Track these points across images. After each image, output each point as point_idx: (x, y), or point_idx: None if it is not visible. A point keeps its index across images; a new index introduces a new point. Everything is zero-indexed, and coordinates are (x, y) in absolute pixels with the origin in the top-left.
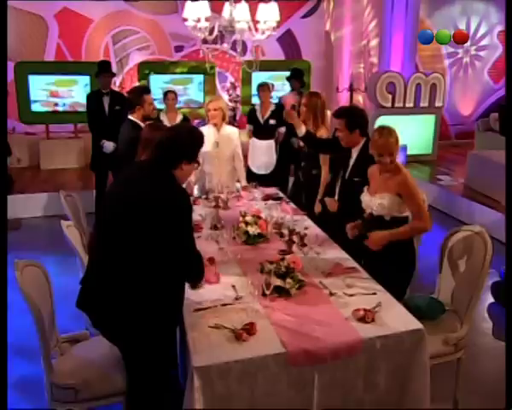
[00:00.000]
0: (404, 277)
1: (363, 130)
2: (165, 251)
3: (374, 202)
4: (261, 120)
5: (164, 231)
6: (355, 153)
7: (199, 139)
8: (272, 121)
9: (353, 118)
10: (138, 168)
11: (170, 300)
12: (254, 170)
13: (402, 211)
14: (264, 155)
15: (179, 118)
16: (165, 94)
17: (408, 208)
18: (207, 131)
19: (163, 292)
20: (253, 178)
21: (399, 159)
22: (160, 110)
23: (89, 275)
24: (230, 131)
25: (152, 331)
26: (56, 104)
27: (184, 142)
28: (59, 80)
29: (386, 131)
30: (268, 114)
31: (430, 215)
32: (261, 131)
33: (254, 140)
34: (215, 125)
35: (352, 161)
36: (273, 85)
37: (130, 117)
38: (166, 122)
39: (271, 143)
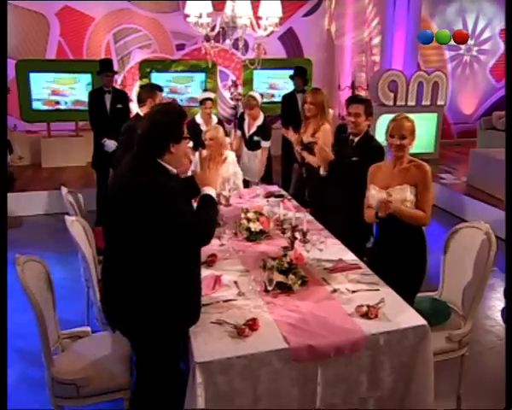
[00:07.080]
0: (414, 276)
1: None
2: (158, 238)
3: (392, 194)
4: (246, 134)
5: (147, 222)
6: (356, 138)
7: (176, 117)
8: (257, 138)
9: (370, 106)
10: (127, 162)
11: (178, 289)
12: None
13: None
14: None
15: (214, 121)
16: (203, 101)
17: (419, 198)
18: None
19: (167, 280)
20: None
21: None
22: (195, 113)
23: (103, 270)
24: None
25: (163, 322)
26: (58, 102)
27: (161, 128)
28: (60, 78)
29: (403, 116)
30: (254, 129)
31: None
32: (244, 144)
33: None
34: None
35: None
36: (262, 96)
37: (138, 111)
38: (203, 125)
39: (256, 153)
